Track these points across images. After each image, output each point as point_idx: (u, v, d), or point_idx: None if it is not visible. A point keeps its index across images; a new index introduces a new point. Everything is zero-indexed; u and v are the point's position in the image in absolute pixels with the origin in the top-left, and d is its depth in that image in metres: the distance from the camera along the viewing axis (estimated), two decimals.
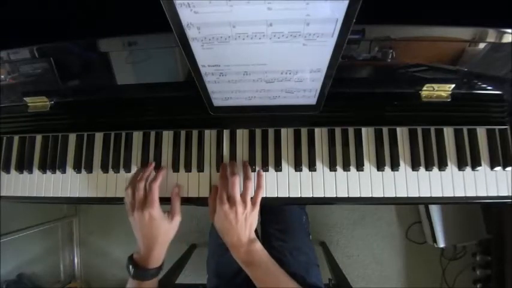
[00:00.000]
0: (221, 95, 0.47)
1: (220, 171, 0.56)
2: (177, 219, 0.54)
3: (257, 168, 0.57)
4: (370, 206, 1.33)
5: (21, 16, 0.52)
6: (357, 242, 1.38)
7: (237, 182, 0.52)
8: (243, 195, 0.52)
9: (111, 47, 0.48)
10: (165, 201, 0.55)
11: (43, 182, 0.61)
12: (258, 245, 0.53)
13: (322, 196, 0.55)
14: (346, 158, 0.55)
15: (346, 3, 0.29)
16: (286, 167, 0.56)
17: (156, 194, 0.52)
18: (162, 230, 0.52)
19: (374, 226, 1.38)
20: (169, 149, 0.59)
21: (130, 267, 0.52)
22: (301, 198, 0.55)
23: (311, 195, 0.55)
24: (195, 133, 0.59)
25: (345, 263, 1.37)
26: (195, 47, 0.36)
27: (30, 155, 0.62)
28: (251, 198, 0.53)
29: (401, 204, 1.33)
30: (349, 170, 0.55)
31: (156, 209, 0.51)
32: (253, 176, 0.55)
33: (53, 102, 0.61)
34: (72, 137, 0.61)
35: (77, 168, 0.60)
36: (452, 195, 0.54)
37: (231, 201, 0.51)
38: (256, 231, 0.57)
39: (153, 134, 0.60)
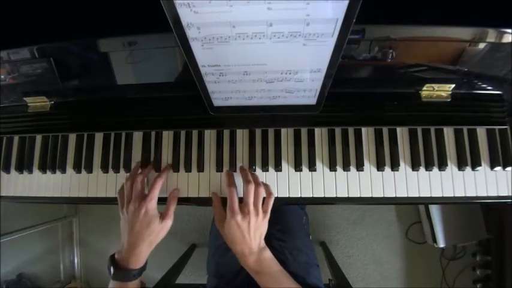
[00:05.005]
0: (221, 95, 0.47)
1: (227, 180, 0.54)
2: (169, 222, 0.52)
3: (257, 169, 0.57)
4: (370, 206, 1.34)
5: (21, 16, 0.52)
6: (357, 242, 1.38)
7: (252, 191, 0.51)
8: (255, 203, 0.51)
9: (111, 47, 0.48)
10: (161, 201, 0.54)
11: (43, 182, 0.61)
12: (268, 254, 0.52)
13: (322, 196, 0.55)
14: (346, 158, 0.55)
15: (346, 3, 0.29)
16: (286, 167, 0.56)
17: (157, 190, 0.52)
18: (152, 228, 0.50)
19: (374, 226, 1.38)
20: (169, 149, 0.59)
21: (111, 267, 0.50)
22: (301, 198, 0.55)
23: (311, 195, 0.55)
24: (195, 133, 0.59)
25: (345, 263, 1.37)
26: (195, 47, 0.36)
27: (30, 155, 0.62)
28: (262, 206, 0.52)
29: (401, 204, 1.33)
30: (349, 170, 0.55)
31: (152, 205, 0.51)
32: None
33: (53, 102, 0.61)
34: (72, 137, 0.61)
35: (77, 168, 0.60)
36: (452, 195, 0.54)
37: (244, 211, 0.50)
38: None
39: (153, 134, 0.60)
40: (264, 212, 0.51)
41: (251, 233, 0.50)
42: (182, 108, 0.57)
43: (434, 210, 1.22)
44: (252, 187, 0.51)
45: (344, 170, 0.55)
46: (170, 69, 0.53)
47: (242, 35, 0.34)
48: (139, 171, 0.56)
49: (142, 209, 0.50)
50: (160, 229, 0.51)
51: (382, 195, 0.54)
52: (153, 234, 0.50)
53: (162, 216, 0.52)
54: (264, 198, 0.53)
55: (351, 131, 0.57)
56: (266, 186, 0.54)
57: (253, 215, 0.50)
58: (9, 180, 0.62)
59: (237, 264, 0.68)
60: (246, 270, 0.69)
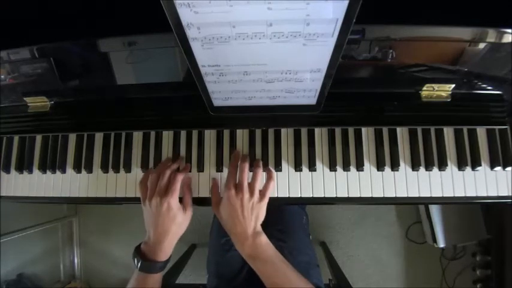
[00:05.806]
0: (221, 95, 0.47)
1: (232, 160, 0.55)
2: (190, 211, 0.54)
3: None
4: (370, 206, 1.34)
5: (21, 16, 0.52)
6: (357, 242, 1.38)
7: (247, 169, 0.51)
8: (251, 183, 0.51)
9: (111, 47, 0.48)
10: None
11: (43, 182, 0.61)
12: (264, 239, 0.51)
13: (322, 196, 0.55)
14: (346, 158, 0.55)
15: (346, 3, 0.29)
16: (286, 167, 0.56)
17: (178, 185, 0.51)
18: (176, 221, 0.51)
19: (374, 226, 1.38)
20: (170, 149, 0.59)
21: (137, 259, 0.50)
22: (301, 198, 0.55)
23: (311, 195, 0.55)
24: (195, 133, 0.59)
25: (345, 263, 1.37)
26: (195, 47, 0.36)
27: (30, 155, 0.62)
28: (260, 190, 0.52)
29: (401, 204, 1.33)
30: (349, 170, 0.55)
31: (175, 199, 0.51)
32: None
33: (53, 102, 0.61)
34: (72, 137, 0.61)
35: (77, 168, 0.60)
36: (452, 195, 0.54)
37: (238, 187, 0.50)
38: None
39: (153, 134, 0.60)
40: (262, 195, 0.51)
41: (244, 212, 0.49)
42: (182, 108, 0.57)
43: (434, 210, 1.21)
44: (245, 166, 0.51)
45: (344, 170, 0.55)
46: (170, 69, 0.53)
47: (242, 35, 0.34)
48: (169, 164, 0.55)
49: (165, 204, 0.49)
50: (183, 221, 0.52)
51: (382, 195, 0.54)
52: (178, 226, 0.52)
53: (183, 207, 0.53)
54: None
55: (351, 131, 0.57)
56: (268, 170, 0.54)
57: (247, 192, 0.49)
58: (9, 180, 0.62)
59: (237, 264, 0.68)
60: (246, 270, 0.69)
